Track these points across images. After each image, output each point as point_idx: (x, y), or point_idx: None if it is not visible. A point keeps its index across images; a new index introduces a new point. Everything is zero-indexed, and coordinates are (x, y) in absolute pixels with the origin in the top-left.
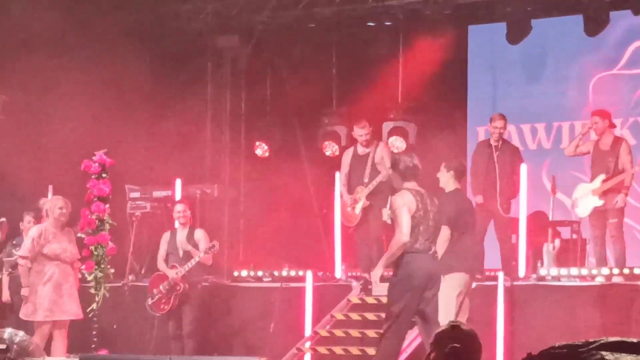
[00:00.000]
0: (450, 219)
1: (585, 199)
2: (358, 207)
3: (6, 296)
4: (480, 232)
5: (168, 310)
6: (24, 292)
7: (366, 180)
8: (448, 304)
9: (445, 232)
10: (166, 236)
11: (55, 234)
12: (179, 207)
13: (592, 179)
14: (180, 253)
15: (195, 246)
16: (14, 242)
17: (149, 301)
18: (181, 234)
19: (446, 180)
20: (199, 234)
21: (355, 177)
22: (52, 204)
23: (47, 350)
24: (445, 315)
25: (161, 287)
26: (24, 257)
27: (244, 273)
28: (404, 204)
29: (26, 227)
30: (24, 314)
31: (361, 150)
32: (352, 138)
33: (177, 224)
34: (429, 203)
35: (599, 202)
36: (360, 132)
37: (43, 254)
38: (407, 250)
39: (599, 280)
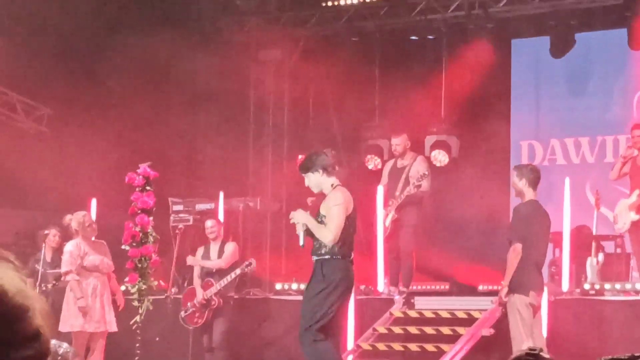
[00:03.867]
0: (520, 233)
1: (624, 214)
2: (388, 220)
3: None
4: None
5: (202, 323)
6: (80, 303)
7: (397, 193)
8: (521, 326)
9: (516, 248)
10: (200, 251)
11: (89, 247)
12: (209, 223)
13: (631, 193)
14: (213, 269)
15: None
16: (36, 257)
17: (182, 314)
18: (213, 249)
19: (519, 189)
20: (229, 248)
21: (390, 190)
22: (79, 220)
23: None
24: (519, 338)
25: (195, 302)
26: (68, 271)
27: (286, 286)
28: (343, 202)
29: (49, 242)
30: (71, 325)
31: (400, 163)
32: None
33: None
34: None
35: (635, 217)
36: (394, 141)
37: (83, 267)
38: (334, 254)
39: None
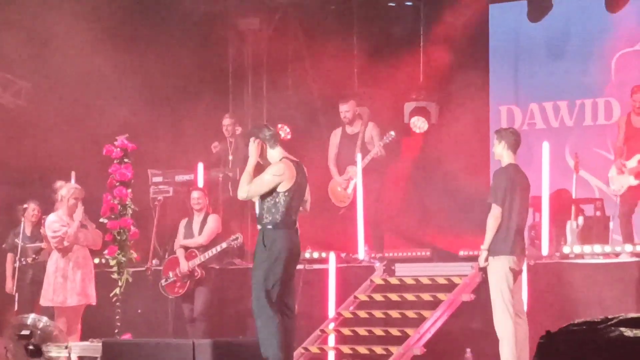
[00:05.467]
0: (499, 197)
1: (620, 177)
2: (350, 187)
3: (10, 287)
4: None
5: (183, 294)
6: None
7: (357, 159)
8: (502, 290)
9: (495, 211)
10: (183, 222)
11: (70, 219)
12: (195, 194)
13: (628, 157)
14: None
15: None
16: (16, 231)
17: (162, 282)
18: (196, 221)
19: (499, 152)
20: (210, 221)
21: (345, 157)
22: (68, 193)
23: None
24: (499, 303)
25: (177, 271)
26: (62, 236)
27: None
28: (281, 175)
29: (29, 216)
30: (52, 299)
31: (350, 130)
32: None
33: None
34: (303, 175)
35: (635, 182)
36: (342, 107)
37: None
38: (276, 226)
39: (624, 257)
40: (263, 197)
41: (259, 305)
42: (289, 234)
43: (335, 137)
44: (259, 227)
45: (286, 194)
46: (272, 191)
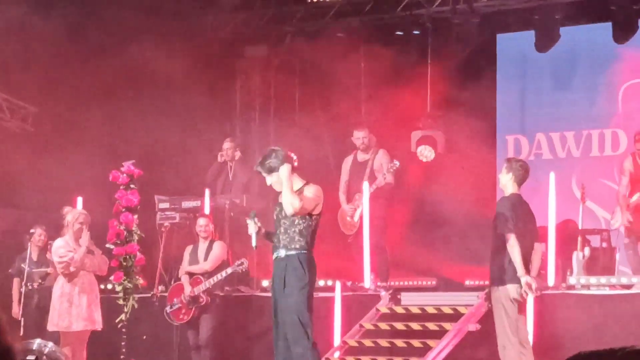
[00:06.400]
0: (508, 225)
1: (625, 213)
2: (357, 215)
3: (16, 312)
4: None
5: (188, 320)
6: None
7: (363, 188)
8: (506, 320)
9: (510, 240)
10: (188, 249)
11: (77, 244)
12: (201, 222)
13: (631, 194)
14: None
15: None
16: (22, 256)
17: (168, 309)
18: (202, 247)
19: (504, 182)
20: (216, 248)
21: (354, 185)
22: (74, 217)
23: None
24: (503, 333)
25: (182, 298)
26: (68, 261)
27: None
28: (319, 198)
29: (35, 241)
30: (57, 324)
31: (361, 157)
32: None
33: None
34: None
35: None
36: (358, 134)
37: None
38: (310, 249)
39: (637, 288)
40: (294, 220)
41: (300, 331)
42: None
43: (347, 164)
44: (289, 253)
45: (318, 217)
46: (309, 213)
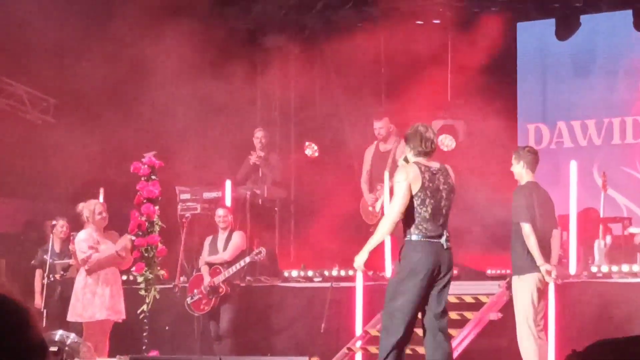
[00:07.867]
0: (523, 214)
1: None
2: (378, 205)
3: (38, 303)
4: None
5: (209, 311)
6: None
7: (384, 177)
8: (526, 309)
9: (525, 230)
10: (208, 240)
11: (100, 236)
12: (220, 212)
13: None
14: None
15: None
16: (45, 247)
17: (188, 300)
18: (221, 238)
19: (518, 171)
20: (235, 238)
21: (376, 175)
22: (91, 208)
23: None
24: (523, 322)
25: (202, 288)
26: (89, 256)
27: (295, 273)
28: (406, 179)
29: (57, 232)
30: (80, 314)
31: (383, 147)
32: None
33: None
34: (443, 181)
35: None
36: (376, 125)
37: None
38: (411, 234)
39: None
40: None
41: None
42: (425, 245)
43: (369, 153)
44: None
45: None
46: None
